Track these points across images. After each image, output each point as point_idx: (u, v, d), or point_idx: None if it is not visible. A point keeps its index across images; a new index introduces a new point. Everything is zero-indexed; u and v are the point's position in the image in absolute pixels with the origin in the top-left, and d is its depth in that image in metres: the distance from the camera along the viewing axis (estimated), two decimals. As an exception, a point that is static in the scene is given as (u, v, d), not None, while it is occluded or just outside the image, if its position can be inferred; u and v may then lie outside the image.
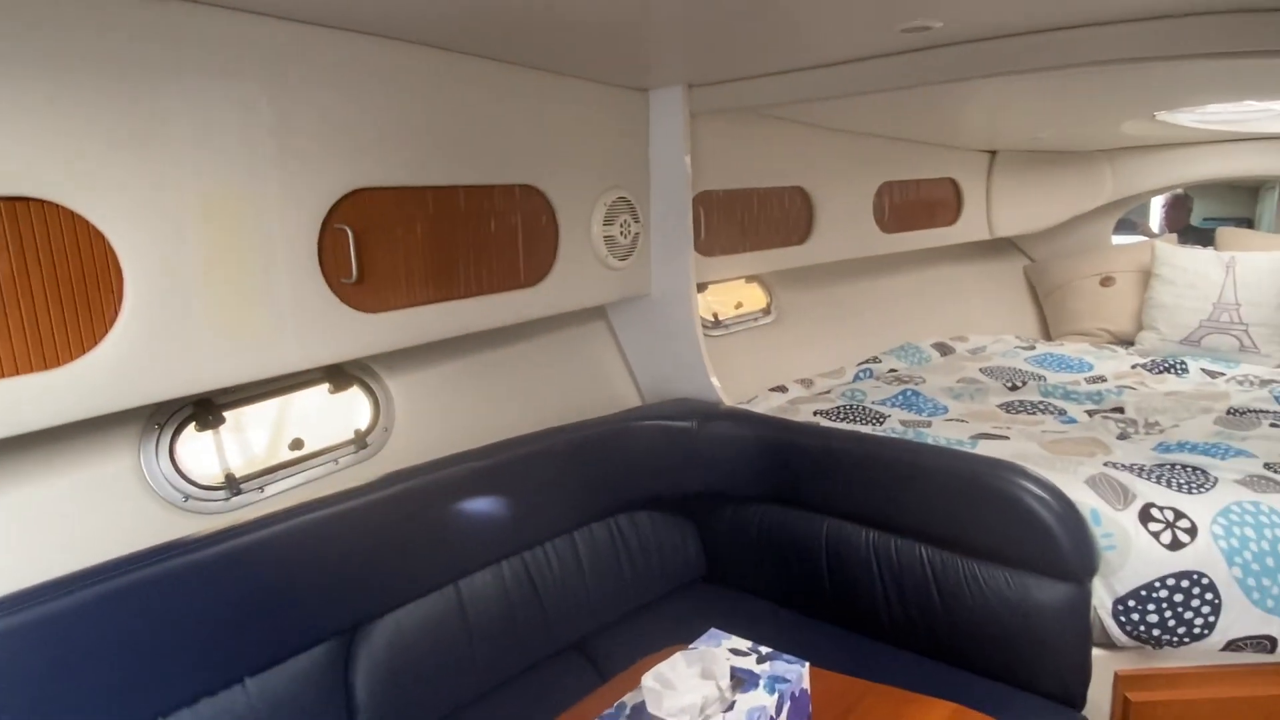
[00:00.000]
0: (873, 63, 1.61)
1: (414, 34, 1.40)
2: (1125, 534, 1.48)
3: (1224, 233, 3.28)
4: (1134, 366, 2.75)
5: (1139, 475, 1.62)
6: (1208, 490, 1.55)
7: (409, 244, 1.54)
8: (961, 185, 3.15)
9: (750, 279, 2.79)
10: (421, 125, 1.50)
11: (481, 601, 1.58)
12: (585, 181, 1.85)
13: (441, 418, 1.82)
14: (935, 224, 3.09)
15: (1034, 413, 2.27)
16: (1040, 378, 2.64)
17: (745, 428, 1.91)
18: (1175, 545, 1.47)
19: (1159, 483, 1.58)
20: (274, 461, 1.57)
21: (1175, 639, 1.47)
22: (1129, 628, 1.48)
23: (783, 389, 2.53)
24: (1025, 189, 3.26)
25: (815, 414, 2.24)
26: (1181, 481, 1.58)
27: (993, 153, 3.22)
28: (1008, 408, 2.32)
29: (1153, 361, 2.76)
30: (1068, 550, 1.46)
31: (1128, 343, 3.09)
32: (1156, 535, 1.48)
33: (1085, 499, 1.53)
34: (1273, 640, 1.47)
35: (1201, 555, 1.46)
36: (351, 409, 1.72)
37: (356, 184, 1.41)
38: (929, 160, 3.02)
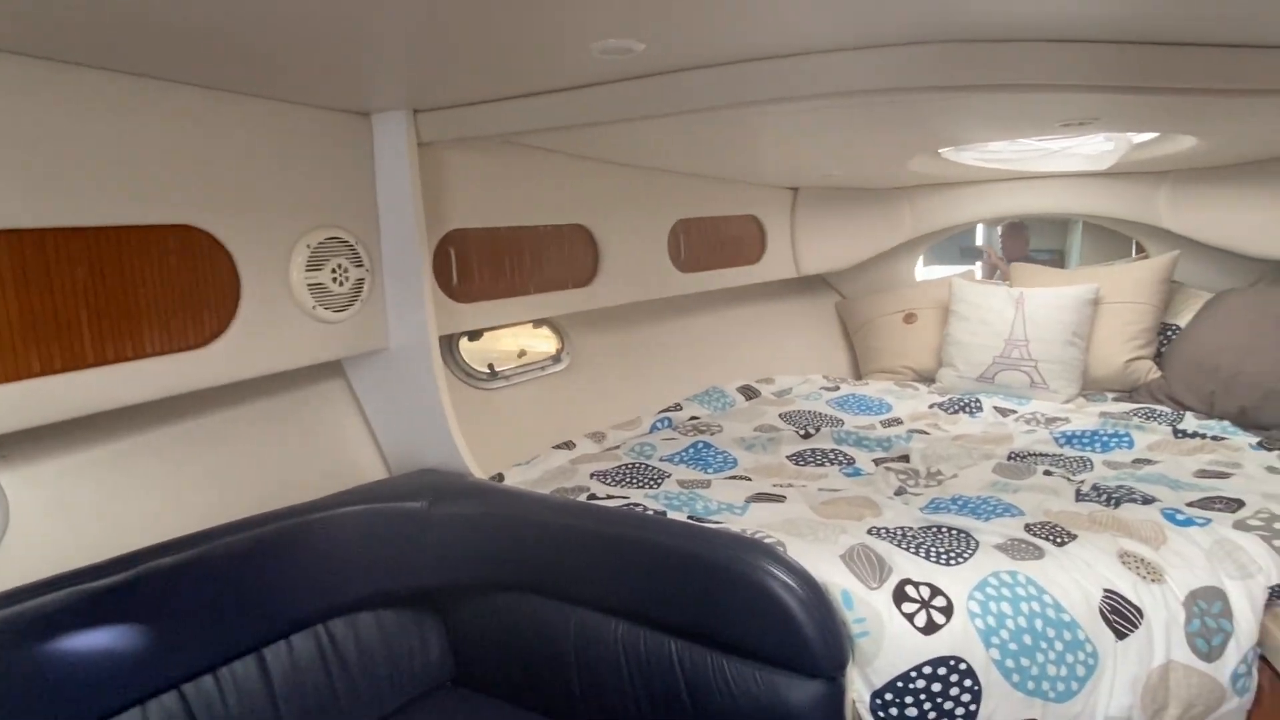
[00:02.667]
0: (588, 91, 1.41)
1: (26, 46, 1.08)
2: (879, 618, 1.32)
3: (1015, 268, 3.36)
4: (931, 406, 2.72)
5: (900, 544, 1.48)
6: (967, 559, 1.42)
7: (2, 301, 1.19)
8: (764, 222, 3.06)
9: (539, 323, 2.55)
10: (22, 156, 1.17)
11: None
12: (277, 221, 1.54)
13: (96, 515, 1.44)
14: (738, 262, 2.98)
15: (822, 464, 2.14)
16: (838, 422, 2.54)
17: (487, 505, 1.65)
18: (930, 628, 1.32)
19: (918, 553, 1.44)
20: None
21: (937, 732, 1.32)
22: (888, 724, 1.32)
23: (569, 445, 2.30)
24: (829, 226, 3.22)
25: (593, 476, 2.01)
26: (941, 550, 1.45)
27: (795, 189, 3.16)
28: (798, 458, 2.19)
29: (949, 400, 2.74)
30: (816, 644, 1.28)
31: (930, 380, 3.08)
32: (911, 617, 1.32)
33: (838, 579, 1.37)
34: (1036, 723, 1.34)
35: (958, 637, 1.31)
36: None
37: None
38: (729, 197, 2.91)
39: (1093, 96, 1.53)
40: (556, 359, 2.53)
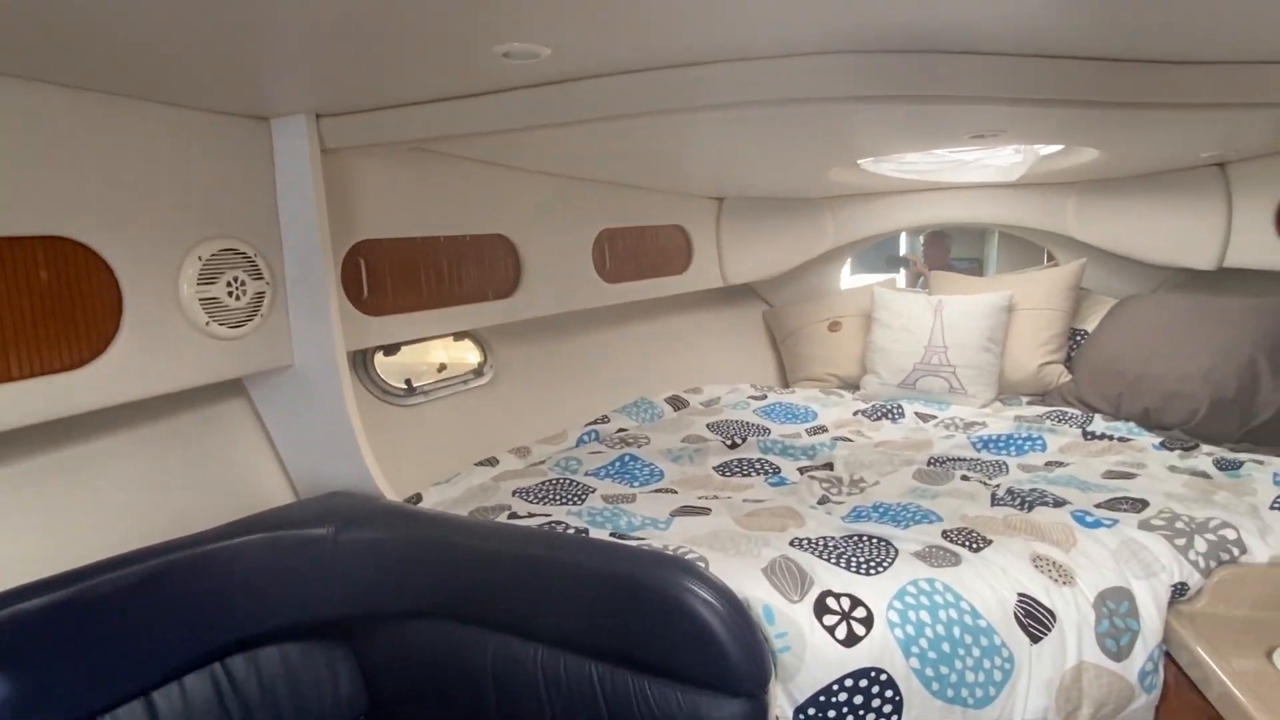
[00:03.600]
0: (495, 98, 1.36)
1: None
2: (800, 632, 1.31)
3: (935, 276, 3.45)
4: (855, 413, 2.75)
5: (822, 554, 1.47)
6: (886, 568, 1.42)
7: None
8: (690, 232, 3.06)
9: (460, 336, 2.47)
10: None
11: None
12: (164, 232, 1.44)
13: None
14: (665, 272, 2.97)
15: (748, 474, 2.13)
16: (765, 431, 2.54)
17: (398, 529, 1.57)
18: (851, 640, 1.31)
19: (839, 563, 1.44)
20: None
21: (860, 745, 1.31)
22: (812, 739, 1.30)
23: (492, 462, 2.23)
24: (754, 236, 3.23)
25: (515, 493, 1.95)
26: (862, 560, 1.45)
27: (720, 200, 3.17)
28: (724, 469, 2.17)
29: (873, 407, 2.78)
30: (739, 662, 1.25)
31: (855, 386, 3.12)
32: (832, 630, 1.31)
33: (760, 594, 1.35)
34: (956, 730, 1.35)
35: (878, 648, 1.31)
36: None
37: None
38: (654, 206, 2.90)
39: (999, 109, 1.56)
40: (479, 373, 2.46)
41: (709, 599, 1.27)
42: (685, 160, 2.36)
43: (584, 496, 1.92)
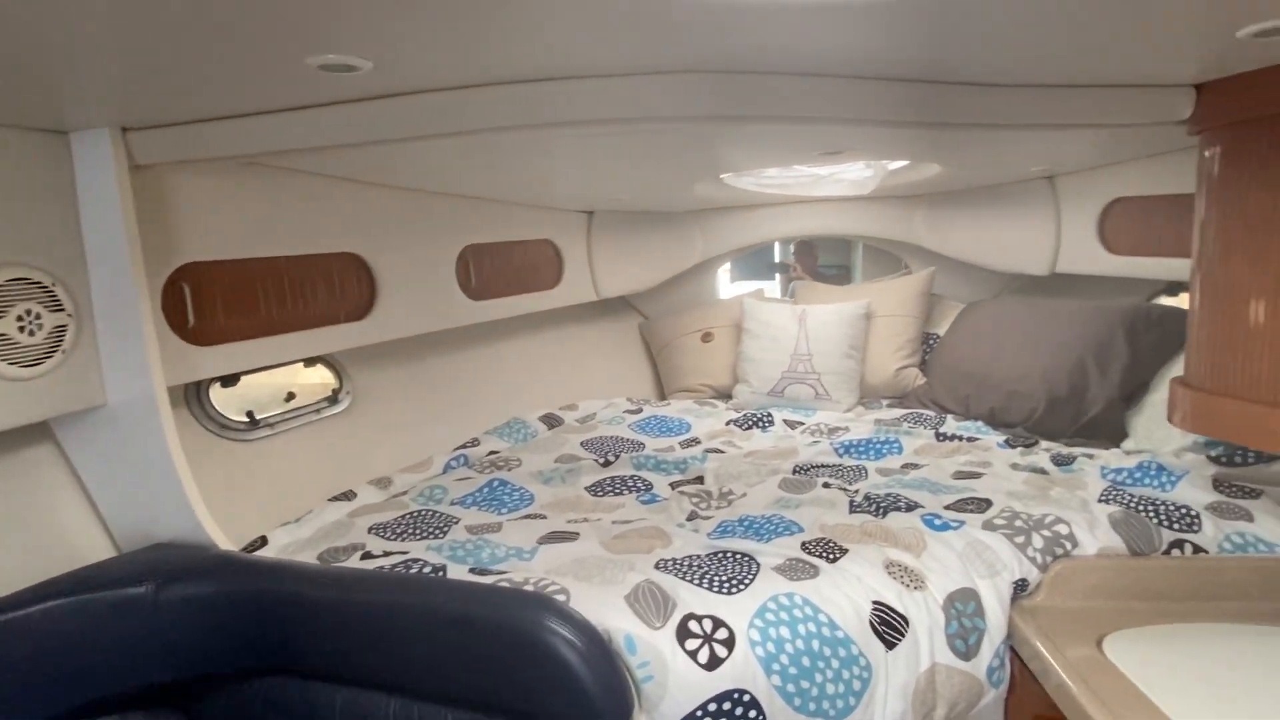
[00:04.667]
0: (316, 112, 1.27)
1: None
2: (662, 660, 1.28)
3: (800, 286, 3.56)
4: (727, 423, 2.78)
5: (686, 575, 1.45)
6: (747, 586, 1.42)
7: None
8: (560, 246, 3.01)
9: (312, 362, 2.32)
10: None
11: None
12: (-69, 261, 1.26)
13: None
14: (535, 287, 2.91)
15: (620, 492, 2.10)
16: (639, 446, 2.53)
17: (230, 581, 1.43)
18: (713, 663, 1.29)
19: (702, 583, 1.42)
20: None
21: (727, 768, 1.29)
22: (678, 768, 1.27)
23: (349, 496, 2.10)
24: (626, 249, 3.23)
25: (371, 530, 1.83)
26: (724, 579, 1.44)
27: (590, 213, 3.14)
28: (597, 488, 2.13)
29: (744, 416, 2.82)
30: (598, 698, 1.21)
31: (728, 396, 3.16)
32: (694, 654, 1.29)
33: (622, 624, 1.31)
34: (821, 743, 1.36)
35: (740, 669, 1.30)
36: None
37: None
38: (521, 221, 2.83)
39: (838, 128, 1.60)
40: (334, 400, 2.31)
41: (568, 636, 1.22)
42: (549, 175, 2.32)
43: (447, 529, 1.83)
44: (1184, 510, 1.64)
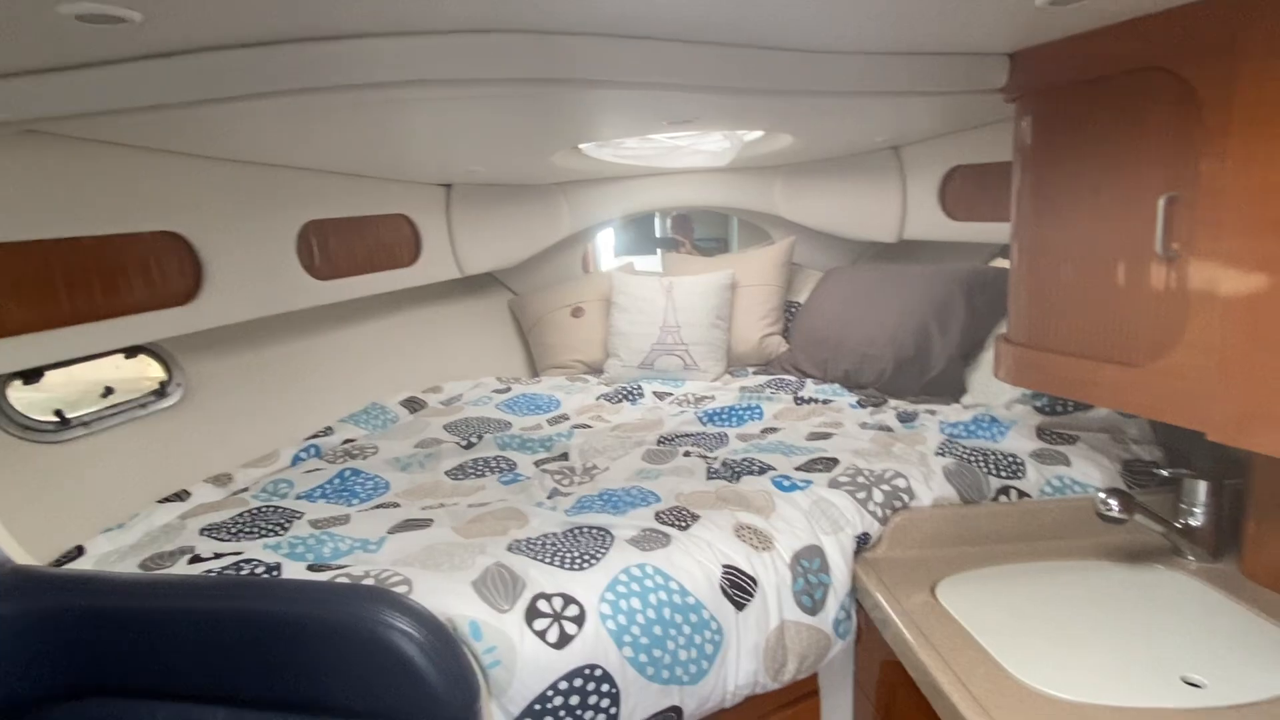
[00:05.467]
0: (85, 72, 1.12)
1: None
2: (510, 644, 1.25)
3: (667, 258, 3.57)
4: (598, 398, 2.76)
5: (538, 555, 1.42)
6: (599, 560, 1.41)
7: None
8: (417, 222, 2.88)
9: (133, 353, 2.11)
10: None
11: None
12: None
13: None
14: (390, 265, 2.77)
15: (482, 474, 2.04)
16: (505, 426, 2.47)
17: (25, 598, 1.28)
18: (563, 641, 1.27)
19: (554, 562, 1.40)
20: None
21: (581, 744, 1.28)
22: (531, 750, 1.25)
23: (182, 496, 1.94)
24: (488, 224, 3.13)
25: (204, 532, 1.69)
26: (577, 555, 1.42)
27: (448, 186, 3.02)
28: (457, 472, 2.06)
29: (615, 390, 2.80)
30: (440, 689, 1.16)
31: (600, 371, 3.14)
32: (543, 634, 1.27)
33: (467, 610, 1.27)
34: (678, 710, 1.37)
35: (590, 645, 1.29)
36: None
37: None
38: (371, 195, 2.68)
39: (681, 95, 1.59)
40: (162, 393, 2.12)
41: (405, 629, 1.17)
42: (390, 145, 2.19)
43: (288, 524, 1.72)
44: (1011, 458, 1.75)
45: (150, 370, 2.19)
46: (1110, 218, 1.37)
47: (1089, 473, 1.72)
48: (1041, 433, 1.87)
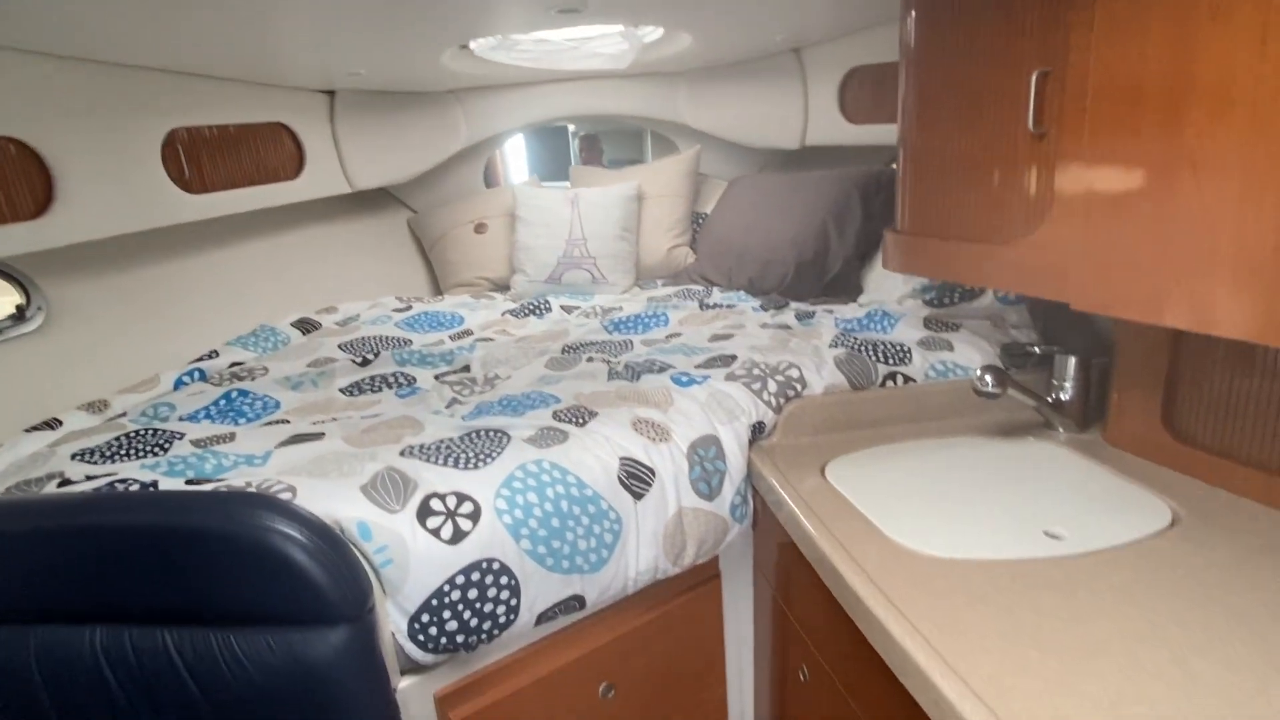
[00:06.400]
0: None
1: None
2: (401, 542, 1.23)
3: (574, 171, 3.48)
4: (504, 314, 2.71)
5: (432, 459, 1.39)
6: (495, 459, 1.39)
7: None
8: (299, 131, 2.70)
9: (-17, 275, 1.93)
10: None
11: None
12: None
13: None
14: (271, 179, 2.60)
15: (379, 389, 1.99)
16: (406, 343, 2.40)
17: None
18: (458, 537, 1.26)
19: (447, 463, 1.38)
20: None
21: (484, 636, 1.29)
22: (430, 644, 1.25)
23: (52, 424, 1.81)
24: (379, 135, 2.96)
25: (76, 457, 1.59)
26: (472, 455, 1.40)
27: (331, 94, 2.83)
28: (353, 389, 1.99)
29: (521, 306, 2.76)
30: (329, 590, 1.14)
31: (506, 288, 3.08)
32: (436, 532, 1.25)
33: (355, 512, 1.24)
34: (580, 599, 1.39)
35: (486, 539, 1.28)
36: None
37: None
38: (244, 101, 2.48)
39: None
40: (20, 318, 1.96)
41: (287, 530, 1.13)
42: (258, 39, 2.01)
43: (168, 445, 1.63)
44: (898, 347, 1.81)
45: (5, 294, 2.02)
46: (988, 103, 1.39)
47: (971, 356, 1.80)
48: (928, 323, 1.94)
